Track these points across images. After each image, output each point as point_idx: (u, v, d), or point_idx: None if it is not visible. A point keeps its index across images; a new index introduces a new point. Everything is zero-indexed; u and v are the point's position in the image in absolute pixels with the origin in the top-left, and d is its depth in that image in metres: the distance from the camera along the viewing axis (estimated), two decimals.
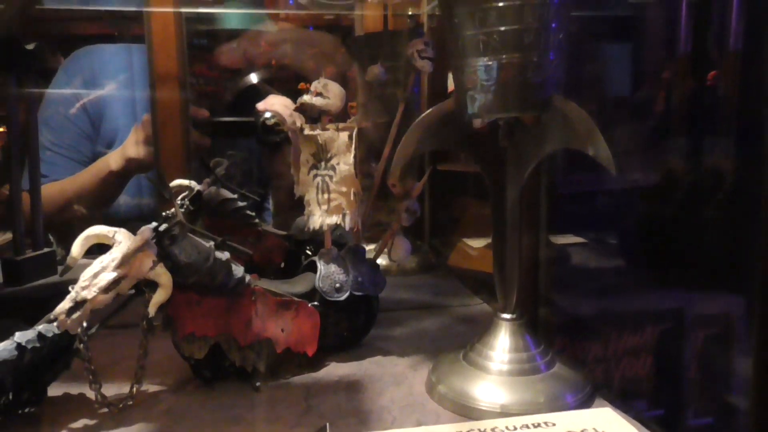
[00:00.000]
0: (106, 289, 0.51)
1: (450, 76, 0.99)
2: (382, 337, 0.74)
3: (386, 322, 0.76)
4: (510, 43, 0.50)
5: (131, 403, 0.56)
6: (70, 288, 0.53)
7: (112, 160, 1.35)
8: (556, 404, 0.55)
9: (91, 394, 0.56)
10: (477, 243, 1.25)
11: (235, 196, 0.97)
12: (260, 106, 1.36)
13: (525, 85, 0.51)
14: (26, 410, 0.55)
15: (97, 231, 0.54)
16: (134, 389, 0.56)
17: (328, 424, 0.50)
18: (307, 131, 0.65)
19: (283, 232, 0.97)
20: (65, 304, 0.51)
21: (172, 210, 0.99)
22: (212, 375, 0.61)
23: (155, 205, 1.44)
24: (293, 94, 0.69)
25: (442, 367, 0.61)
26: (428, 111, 0.56)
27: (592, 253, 1.19)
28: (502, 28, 0.50)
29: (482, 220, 1.25)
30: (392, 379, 0.63)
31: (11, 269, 0.87)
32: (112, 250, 0.53)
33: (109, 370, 0.63)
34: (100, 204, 1.40)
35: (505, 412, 0.54)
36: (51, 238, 1.17)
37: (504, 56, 0.51)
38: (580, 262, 1.15)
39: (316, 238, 0.79)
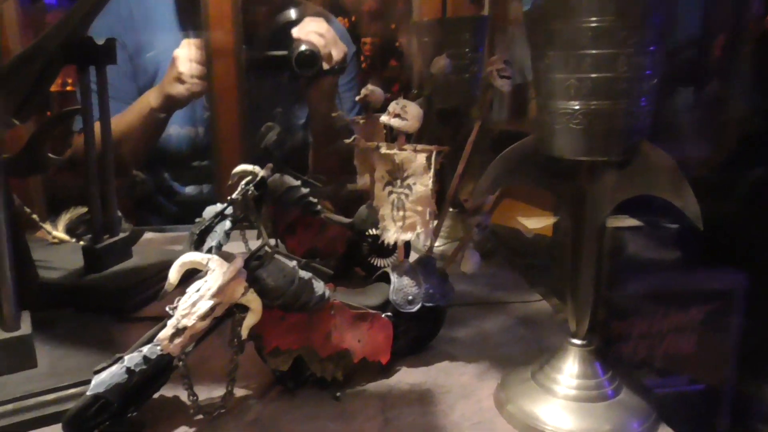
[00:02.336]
0: (203, 317, 0.55)
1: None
2: (446, 339, 0.77)
3: (449, 319, 0.79)
4: (602, 90, 0.50)
5: (223, 411, 0.61)
6: (168, 309, 0.57)
7: (152, 96, 1.37)
8: None
9: (184, 396, 0.61)
10: (533, 223, 1.25)
11: (299, 182, 1.00)
12: (295, 32, 1.36)
13: (613, 130, 0.52)
14: (130, 413, 0.60)
15: (191, 258, 0.57)
16: (226, 400, 0.61)
17: None
18: (383, 150, 0.66)
19: (346, 220, 1.00)
20: (168, 330, 0.55)
21: (236, 194, 1.03)
22: (295, 384, 0.65)
23: (207, 135, 1.46)
24: None
25: (512, 386, 0.64)
26: (511, 146, 0.57)
27: (649, 240, 1.19)
28: (595, 75, 0.50)
29: (539, 199, 1.25)
30: (461, 390, 0.66)
31: (92, 257, 0.92)
32: (207, 278, 0.56)
33: (197, 370, 0.68)
34: (147, 142, 1.43)
35: None
36: (119, 213, 1.22)
37: (594, 102, 0.51)
38: (638, 250, 1.16)
39: (376, 228, 0.81)
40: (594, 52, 0.49)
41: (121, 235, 0.98)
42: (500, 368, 0.70)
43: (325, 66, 1.39)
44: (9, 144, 1.17)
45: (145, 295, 0.90)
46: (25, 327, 0.66)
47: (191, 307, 0.55)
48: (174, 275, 0.57)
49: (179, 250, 1.06)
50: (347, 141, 0.72)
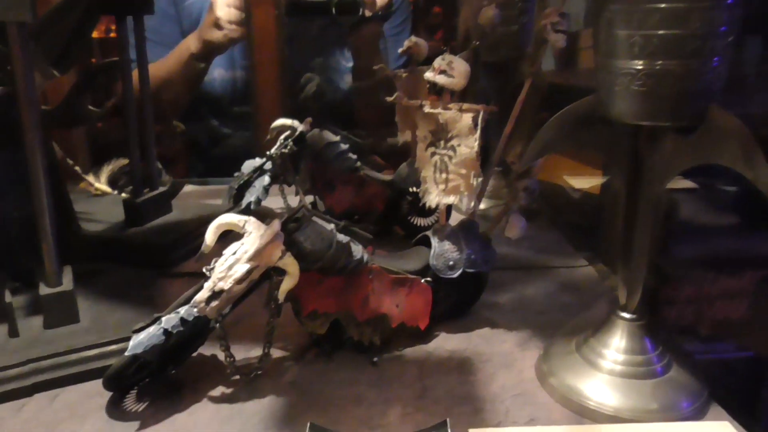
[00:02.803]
0: (240, 281, 0.54)
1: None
2: (487, 304, 0.75)
3: (490, 283, 0.76)
4: (670, 49, 0.46)
5: (260, 372, 0.60)
6: (205, 270, 0.56)
7: (191, 42, 1.35)
8: (671, 412, 0.55)
9: (223, 356, 0.61)
10: (580, 182, 1.21)
11: (338, 138, 0.97)
12: None
13: (681, 93, 0.47)
14: (169, 371, 0.60)
15: (228, 220, 0.56)
16: (263, 362, 0.60)
17: (448, 420, 0.52)
18: (427, 109, 0.62)
19: (386, 178, 0.97)
20: (204, 293, 0.54)
21: (275, 149, 1.01)
22: (332, 347, 0.64)
23: (249, 77, 1.44)
24: None
25: (555, 358, 0.62)
26: (565, 108, 0.53)
27: (704, 202, 1.13)
28: (663, 32, 0.45)
29: (586, 156, 1.20)
30: (501, 359, 0.64)
31: (132, 210, 0.92)
32: (244, 241, 0.55)
33: (236, 328, 0.68)
34: (187, 89, 1.42)
35: (616, 416, 0.55)
36: (159, 165, 1.22)
37: (661, 62, 0.46)
38: (692, 213, 1.10)
39: (417, 187, 0.79)
40: (663, 5, 0.44)
41: (161, 188, 0.98)
42: (543, 337, 0.68)
43: (368, 12, 1.34)
44: (50, 95, 1.18)
45: (184, 250, 0.91)
46: (67, 283, 0.66)
47: (228, 270, 0.54)
48: (210, 237, 0.56)
49: (219, 204, 1.06)
50: (388, 99, 0.69)
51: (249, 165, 1.03)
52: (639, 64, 0.47)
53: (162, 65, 1.36)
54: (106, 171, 1.18)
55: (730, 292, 1.12)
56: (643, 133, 0.51)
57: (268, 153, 1.00)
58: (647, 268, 0.57)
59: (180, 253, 0.90)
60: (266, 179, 1.01)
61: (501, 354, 0.65)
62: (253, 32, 1.33)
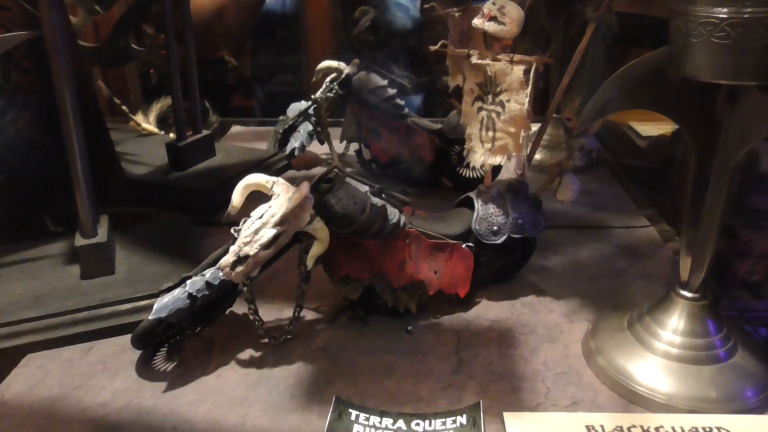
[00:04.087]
0: (266, 246, 0.51)
1: None
2: (535, 268, 0.70)
3: (540, 243, 0.71)
4: None
5: (290, 336, 0.59)
6: (232, 231, 0.54)
7: None
8: (733, 402, 0.50)
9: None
10: (646, 129, 1.11)
11: (385, 82, 0.92)
12: None
13: None
14: (198, 330, 0.59)
15: (256, 180, 0.53)
16: (292, 326, 0.58)
17: (481, 403, 0.49)
18: (474, 59, 0.56)
19: (435, 126, 0.92)
20: (229, 257, 0.52)
21: (319, 92, 0.96)
22: (365, 312, 0.61)
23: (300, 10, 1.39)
24: None
25: (604, 334, 0.57)
26: (630, 63, 0.46)
27: None
28: None
29: None
30: (546, 331, 0.60)
31: (175, 154, 0.91)
32: (271, 204, 0.52)
33: (266, 287, 0.66)
34: (247, 16, 1.39)
35: (669, 404, 0.50)
36: (207, 104, 1.20)
37: (750, 9, 0.38)
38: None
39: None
40: None
41: (205, 132, 0.96)
42: (593, 308, 0.63)
43: None
44: (92, 33, 1.16)
45: (225, 197, 0.88)
46: (102, 233, 0.66)
47: (254, 235, 0.51)
48: (237, 198, 0.53)
49: (263, 149, 1.04)
50: (432, 48, 0.63)
51: (294, 108, 0.98)
52: (723, 12, 0.39)
53: None
54: (155, 109, 1.17)
55: None
56: (722, 93, 0.44)
57: (312, 97, 0.96)
58: (716, 242, 0.51)
59: (221, 199, 0.89)
60: (311, 124, 0.97)
61: (546, 325, 0.61)
62: None
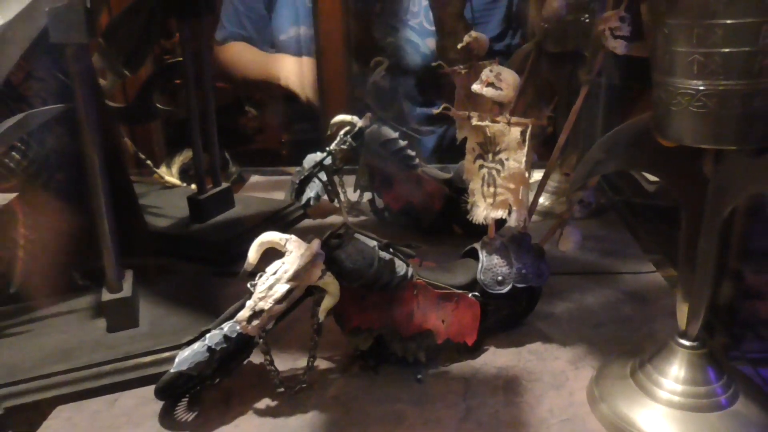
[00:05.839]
0: (280, 300, 0.54)
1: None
2: (542, 315, 0.72)
3: (547, 289, 0.73)
4: (735, 67, 0.41)
5: (305, 386, 0.61)
6: (249, 286, 0.57)
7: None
8: None
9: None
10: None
11: (396, 134, 0.96)
12: None
13: (747, 115, 0.42)
14: (217, 381, 0.62)
15: (270, 238, 0.56)
16: (306, 376, 0.61)
17: None
18: (475, 121, 0.60)
19: (444, 176, 0.95)
20: (246, 312, 0.55)
21: (334, 144, 1.01)
22: (376, 362, 0.64)
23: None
24: None
25: (608, 381, 0.59)
26: (617, 128, 0.49)
27: None
28: (728, 50, 0.40)
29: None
30: (551, 378, 0.62)
31: (196, 207, 0.95)
32: (284, 260, 0.55)
33: (282, 337, 0.69)
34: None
35: None
36: (227, 155, 1.25)
37: (724, 82, 0.42)
38: None
39: None
40: (728, 21, 0.39)
41: (224, 184, 1.00)
42: (598, 354, 0.65)
43: None
44: (121, 94, 1.23)
45: (244, 248, 0.92)
46: (127, 288, 0.69)
47: (268, 291, 0.55)
48: (253, 255, 0.56)
49: (281, 199, 1.08)
50: (435, 112, 0.67)
51: (310, 159, 1.03)
52: (699, 84, 0.42)
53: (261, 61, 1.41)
54: (177, 162, 1.23)
55: None
56: (707, 155, 0.47)
57: (327, 149, 1.01)
58: (710, 293, 0.53)
59: (239, 250, 0.92)
60: (326, 175, 1.01)
61: (552, 373, 0.63)
62: (318, 21, 1.34)
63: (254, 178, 1.27)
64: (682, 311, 0.55)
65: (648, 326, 0.70)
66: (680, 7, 0.41)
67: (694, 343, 0.54)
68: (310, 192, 1.02)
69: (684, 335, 0.55)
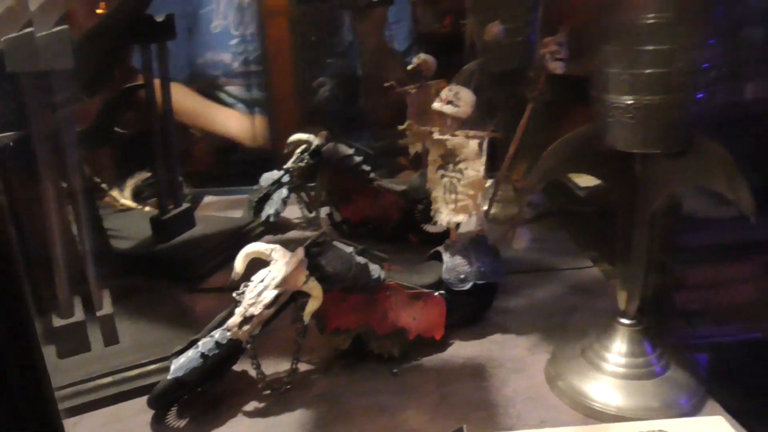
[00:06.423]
0: (269, 305, 0.59)
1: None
2: (499, 309, 0.79)
3: (501, 287, 0.80)
4: (657, 85, 0.50)
5: (290, 387, 0.66)
6: (234, 295, 0.61)
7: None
8: (671, 409, 0.59)
9: (253, 372, 0.66)
10: (583, 180, 1.24)
11: (352, 151, 1.02)
12: None
13: (667, 124, 0.51)
14: (207, 388, 0.66)
15: (256, 248, 0.61)
16: (291, 378, 0.65)
17: (465, 427, 0.57)
18: (436, 136, 0.67)
19: (400, 188, 1.02)
20: (236, 318, 0.59)
21: (291, 162, 1.05)
22: (355, 360, 0.69)
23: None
24: None
25: (562, 362, 0.66)
26: (566, 136, 0.57)
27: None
28: (650, 71, 0.49)
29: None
30: (512, 364, 0.69)
31: (160, 227, 0.98)
32: (271, 269, 0.60)
33: (265, 343, 0.73)
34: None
35: (620, 415, 0.59)
36: (181, 179, 1.27)
37: (648, 97, 0.50)
38: (697, 205, 1.13)
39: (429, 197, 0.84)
40: (650, 48, 0.48)
41: (185, 205, 1.03)
42: (552, 340, 0.73)
43: None
44: (80, 118, 1.23)
45: (209, 265, 0.96)
46: (107, 306, 0.72)
47: (257, 297, 0.59)
48: (240, 264, 0.61)
49: (239, 216, 1.11)
50: (400, 127, 0.73)
51: (267, 178, 1.08)
52: (629, 99, 0.51)
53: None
54: (130, 185, 1.24)
55: (736, 278, 1.15)
56: (636, 159, 0.55)
57: (285, 167, 1.06)
58: (645, 277, 0.61)
59: (205, 268, 0.96)
60: (284, 192, 1.06)
61: (512, 359, 0.70)
62: (266, 42, 1.38)
63: (208, 199, 1.30)
64: (622, 295, 0.63)
65: (591, 313, 0.79)
66: (613, 36, 0.49)
67: (633, 321, 0.63)
68: (270, 209, 1.07)
69: (624, 315, 0.63)
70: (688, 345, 0.88)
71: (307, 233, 1.09)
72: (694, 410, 0.60)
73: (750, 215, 0.50)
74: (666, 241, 0.96)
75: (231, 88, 1.53)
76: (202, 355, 0.59)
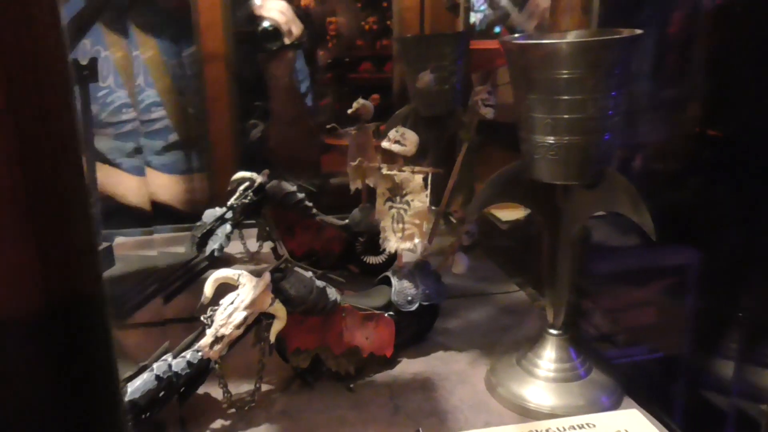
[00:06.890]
0: (239, 326, 0.64)
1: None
2: (440, 330, 0.87)
3: (441, 311, 0.87)
4: (575, 128, 0.60)
5: (254, 404, 0.70)
6: (203, 319, 0.65)
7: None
8: (594, 406, 0.69)
9: (215, 393, 0.70)
10: (504, 214, 1.36)
11: (295, 188, 1.08)
12: (257, 10, 1.43)
13: (583, 160, 0.62)
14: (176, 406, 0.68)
15: (224, 274, 0.66)
16: (255, 396, 0.70)
17: (420, 429, 0.64)
18: (385, 171, 0.75)
19: (341, 222, 1.09)
20: (208, 339, 0.64)
21: (233, 199, 1.10)
22: (313, 378, 0.74)
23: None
24: None
25: (500, 371, 0.74)
26: (500, 171, 0.67)
27: (611, 225, 1.31)
28: (568, 116, 0.60)
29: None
30: (456, 377, 0.77)
31: None
32: (239, 292, 0.65)
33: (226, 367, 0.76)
34: None
35: (553, 413, 0.68)
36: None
37: (567, 138, 0.61)
38: (602, 236, 1.27)
39: (369, 230, 0.92)
40: (567, 97, 0.59)
41: (105, 244, 1.05)
42: (489, 355, 0.81)
43: (287, 41, 1.48)
44: None
45: (134, 301, 0.98)
46: None
47: (228, 318, 0.64)
48: (209, 290, 0.66)
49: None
50: (352, 164, 0.81)
51: (209, 214, 1.12)
52: (551, 139, 0.61)
53: None
54: None
55: (640, 302, 1.29)
56: (559, 189, 0.66)
57: (228, 203, 1.10)
58: (569, 293, 0.71)
59: (130, 305, 0.97)
60: (228, 227, 1.10)
61: (456, 372, 0.78)
62: (206, 85, 1.43)
63: (119, 239, 1.28)
64: (550, 309, 0.72)
65: (521, 329, 0.88)
66: (537, 86, 0.60)
67: (560, 331, 0.72)
68: (214, 244, 1.10)
69: (552, 326, 0.73)
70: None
71: (250, 267, 1.14)
72: (613, 406, 0.70)
73: (651, 234, 0.60)
74: (580, 266, 1.08)
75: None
76: (157, 377, 0.62)
